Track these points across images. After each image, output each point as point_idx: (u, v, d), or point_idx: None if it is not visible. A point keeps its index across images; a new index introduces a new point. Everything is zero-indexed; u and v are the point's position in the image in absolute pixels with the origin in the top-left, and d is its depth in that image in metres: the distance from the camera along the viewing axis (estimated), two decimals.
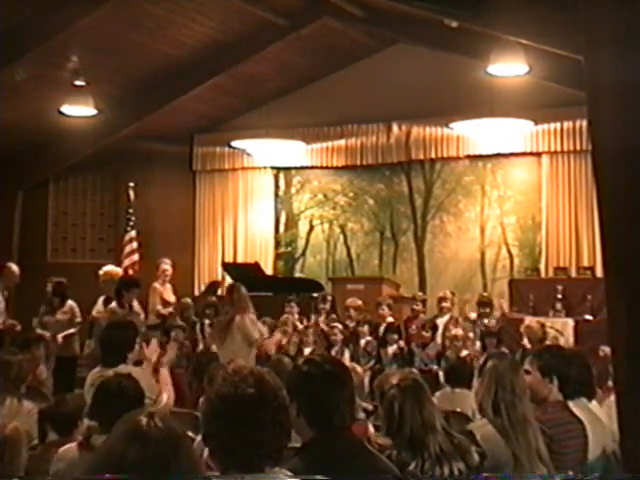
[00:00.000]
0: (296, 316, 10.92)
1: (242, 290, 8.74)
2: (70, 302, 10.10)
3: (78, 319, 10.10)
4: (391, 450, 3.66)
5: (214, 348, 9.02)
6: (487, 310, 10.72)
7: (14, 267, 10.52)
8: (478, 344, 9.82)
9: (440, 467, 3.67)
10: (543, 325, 9.72)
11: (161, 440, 2.21)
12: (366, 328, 10.41)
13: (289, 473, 2.62)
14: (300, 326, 10.58)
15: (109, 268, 9.75)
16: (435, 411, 3.84)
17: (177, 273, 12.63)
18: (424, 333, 10.31)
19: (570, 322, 10.84)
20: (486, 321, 10.47)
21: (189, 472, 2.22)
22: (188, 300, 11.79)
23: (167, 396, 5.71)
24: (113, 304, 9.14)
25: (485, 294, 11.74)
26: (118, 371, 4.88)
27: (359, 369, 8.01)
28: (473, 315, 10.86)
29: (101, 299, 10.01)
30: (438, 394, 6.91)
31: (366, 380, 8.62)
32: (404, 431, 3.72)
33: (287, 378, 3.08)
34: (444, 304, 10.95)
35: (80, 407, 4.76)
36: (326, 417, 3.03)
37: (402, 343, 10.23)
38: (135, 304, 9.43)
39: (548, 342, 9.72)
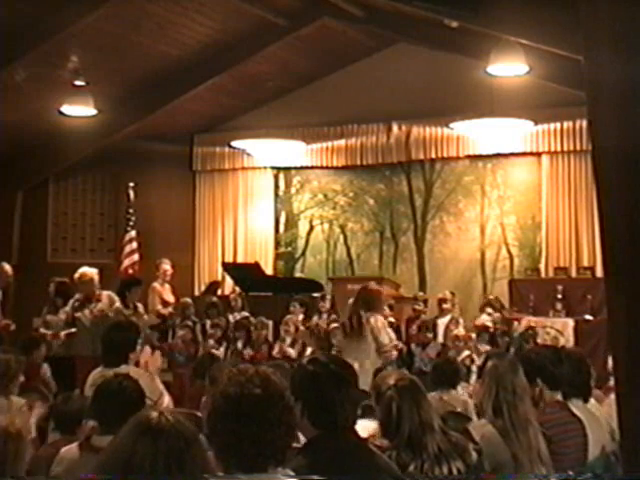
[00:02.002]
0: (300, 316, 10.91)
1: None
2: None
3: None
4: (390, 451, 3.65)
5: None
6: (497, 313, 10.72)
7: (7, 267, 10.45)
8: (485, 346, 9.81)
9: (439, 467, 3.67)
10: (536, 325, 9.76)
11: (172, 434, 2.17)
12: None
13: (292, 473, 2.61)
14: (302, 327, 10.59)
15: (86, 270, 9.73)
16: (432, 411, 3.84)
17: (177, 273, 12.65)
18: (427, 334, 10.30)
19: (570, 322, 10.86)
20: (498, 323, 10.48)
21: (202, 469, 2.20)
22: (188, 300, 11.79)
23: (168, 399, 5.74)
24: (118, 304, 9.18)
25: (491, 296, 11.71)
26: (119, 371, 4.89)
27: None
28: (486, 319, 10.70)
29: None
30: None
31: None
32: (402, 431, 3.72)
33: (291, 377, 3.09)
34: (444, 305, 10.94)
35: (85, 407, 4.76)
36: (330, 417, 3.03)
37: (400, 344, 10.23)
38: (139, 305, 9.46)
39: (539, 341, 9.76)
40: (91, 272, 9.53)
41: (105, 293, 9.28)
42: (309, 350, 9.80)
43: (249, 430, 2.47)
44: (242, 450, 2.47)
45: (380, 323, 7.95)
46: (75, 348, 9.15)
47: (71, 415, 4.83)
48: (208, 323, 10.90)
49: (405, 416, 3.73)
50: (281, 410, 2.51)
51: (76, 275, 9.52)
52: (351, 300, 8.31)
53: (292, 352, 10.07)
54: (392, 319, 10.66)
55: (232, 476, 2.46)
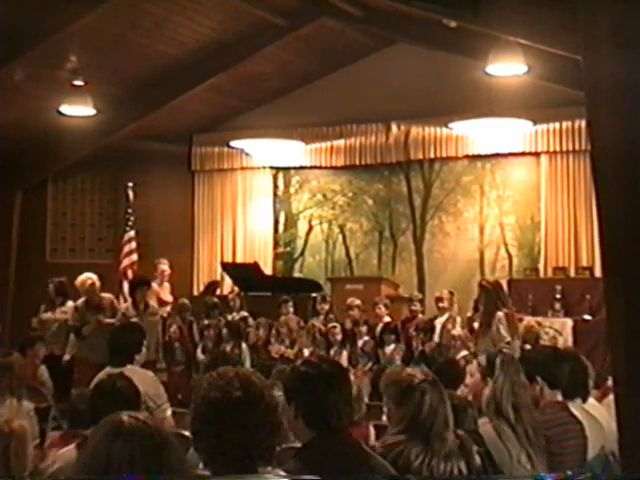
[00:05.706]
0: (291, 316, 10.89)
1: None
2: (70, 302, 10.09)
3: None
4: (400, 446, 3.57)
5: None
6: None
7: None
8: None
9: (445, 464, 3.63)
10: (540, 324, 9.74)
11: (145, 435, 2.18)
12: (364, 328, 10.38)
13: (282, 473, 2.61)
14: (295, 327, 10.57)
15: (89, 275, 9.84)
16: (450, 409, 3.80)
17: (176, 273, 12.65)
18: (424, 335, 10.29)
19: (569, 322, 10.86)
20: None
21: (178, 469, 2.21)
22: (185, 300, 11.81)
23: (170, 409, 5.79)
24: (125, 305, 9.28)
25: None
26: (125, 371, 4.93)
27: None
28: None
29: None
30: None
31: (367, 381, 8.62)
32: (429, 425, 3.61)
33: (285, 379, 3.08)
34: (441, 304, 10.92)
35: None
36: (324, 418, 3.02)
37: (402, 346, 10.23)
38: (152, 303, 9.55)
39: (541, 341, 9.75)
40: (92, 278, 9.67)
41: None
42: (306, 351, 9.79)
43: (233, 434, 2.45)
44: (228, 454, 2.46)
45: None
46: None
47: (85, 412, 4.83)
48: (207, 323, 10.90)
49: (435, 410, 3.64)
50: (263, 411, 2.50)
51: (78, 282, 9.63)
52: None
53: (290, 353, 10.07)
54: (388, 318, 10.66)
55: (226, 477, 2.45)
